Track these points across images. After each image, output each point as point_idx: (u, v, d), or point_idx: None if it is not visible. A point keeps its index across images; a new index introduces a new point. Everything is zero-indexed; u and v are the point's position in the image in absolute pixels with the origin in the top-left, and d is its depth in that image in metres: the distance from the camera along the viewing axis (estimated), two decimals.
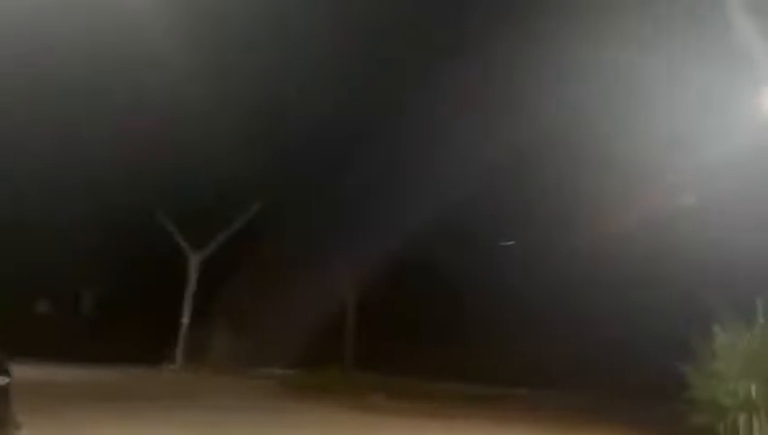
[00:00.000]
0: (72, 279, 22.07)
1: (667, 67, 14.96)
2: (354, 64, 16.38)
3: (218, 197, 20.38)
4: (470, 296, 21.72)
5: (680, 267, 15.96)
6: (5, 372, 5.17)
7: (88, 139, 16.80)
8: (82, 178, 18.41)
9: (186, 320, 22.40)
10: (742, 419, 7.72)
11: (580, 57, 16.34)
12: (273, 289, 21.15)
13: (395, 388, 15.97)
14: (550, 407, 15.32)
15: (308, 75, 16.52)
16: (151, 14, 12.45)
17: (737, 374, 8.02)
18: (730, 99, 12.82)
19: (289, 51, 15.62)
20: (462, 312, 22.12)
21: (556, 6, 15.07)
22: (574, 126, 17.34)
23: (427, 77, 17.21)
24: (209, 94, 15.57)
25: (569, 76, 17.34)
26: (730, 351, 8.20)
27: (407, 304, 22.24)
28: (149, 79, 15.22)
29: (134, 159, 17.36)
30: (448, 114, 18.13)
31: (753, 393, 7.78)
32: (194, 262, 22.69)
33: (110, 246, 20.25)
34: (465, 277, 21.62)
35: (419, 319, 22.23)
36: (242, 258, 21.45)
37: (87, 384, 14.88)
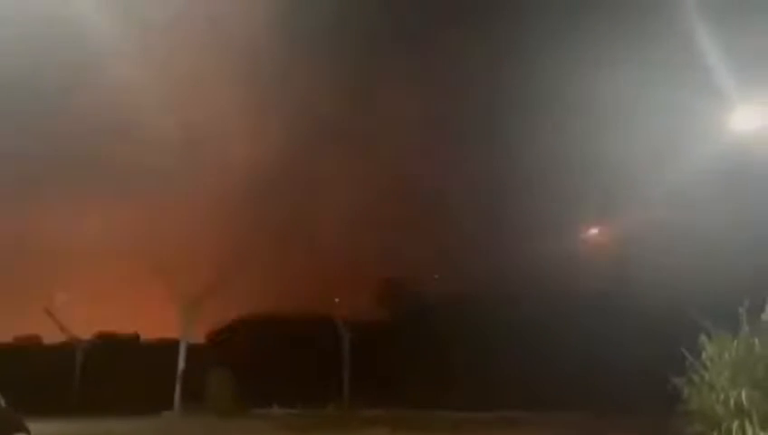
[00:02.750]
0: None
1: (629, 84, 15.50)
2: None
3: None
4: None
5: (663, 282, 16.30)
6: (25, 431, 5.34)
7: None
8: None
9: (182, 364, 22.32)
10: (735, 425, 7.95)
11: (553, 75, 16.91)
12: None
13: (398, 420, 16.08)
14: (550, 428, 15.50)
15: None
16: None
17: (727, 383, 8.26)
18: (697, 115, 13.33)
19: None
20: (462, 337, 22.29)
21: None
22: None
23: None
24: None
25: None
26: (718, 361, 8.46)
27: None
28: None
29: None
30: None
31: (744, 400, 8.02)
32: None
33: None
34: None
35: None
36: None
37: None
